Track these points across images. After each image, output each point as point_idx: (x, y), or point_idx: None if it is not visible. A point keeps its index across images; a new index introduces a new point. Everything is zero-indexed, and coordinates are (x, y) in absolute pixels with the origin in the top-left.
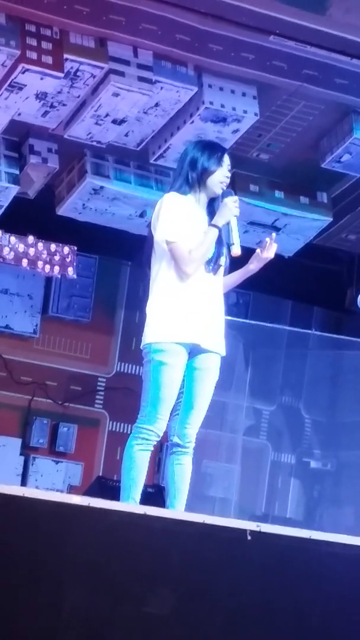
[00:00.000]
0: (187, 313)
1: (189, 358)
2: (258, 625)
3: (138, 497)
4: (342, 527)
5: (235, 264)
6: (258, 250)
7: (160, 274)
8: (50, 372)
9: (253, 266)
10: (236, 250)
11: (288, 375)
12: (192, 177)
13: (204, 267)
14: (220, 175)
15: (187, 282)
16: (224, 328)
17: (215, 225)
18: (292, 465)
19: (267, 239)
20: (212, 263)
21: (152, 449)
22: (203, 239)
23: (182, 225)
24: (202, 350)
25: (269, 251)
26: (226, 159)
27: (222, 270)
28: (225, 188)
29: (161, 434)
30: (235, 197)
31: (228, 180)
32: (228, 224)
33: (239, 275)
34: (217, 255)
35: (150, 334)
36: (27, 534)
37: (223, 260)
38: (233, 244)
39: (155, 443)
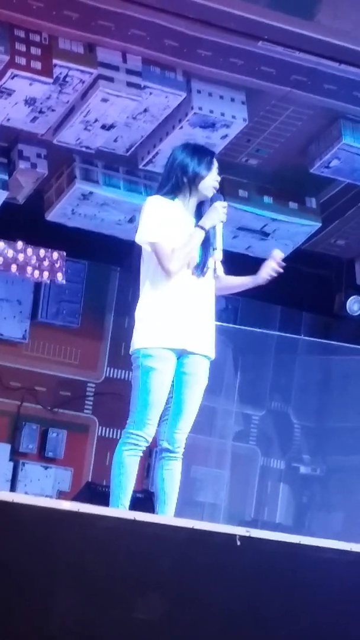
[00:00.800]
0: (173, 317)
1: (177, 362)
2: (248, 630)
3: (127, 502)
4: (331, 533)
5: (235, 270)
6: (271, 263)
7: (148, 280)
8: (40, 378)
9: (264, 274)
10: (217, 255)
11: (277, 381)
12: (182, 182)
13: (192, 271)
14: (211, 180)
15: (174, 286)
16: (214, 331)
17: (201, 227)
18: (281, 471)
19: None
20: (200, 266)
21: (141, 454)
22: (188, 239)
23: (164, 226)
24: (190, 353)
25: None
26: (216, 163)
27: (210, 272)
28: (216, 191)
29: (150, 439)
30: (225, 203)
31: (218, 184)
32: (214, 227)
33: (246, 282)
34: (204, 258)
35: (138, 340)
36: (16, 540)
37: (211, 263)
38: (215, 248)
39: (144, 448)
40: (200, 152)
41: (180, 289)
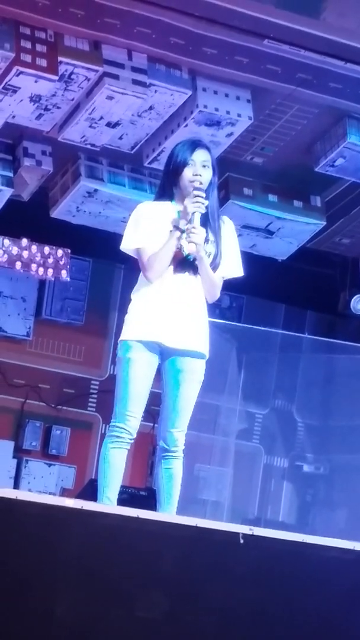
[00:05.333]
0: (153, 313)
1: (163, 360)
2: (251, 628)
3: (113, 495)
4: (334, 531)
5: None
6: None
7: (139, 277)
8: (44, 375)
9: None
10: (190, 247)
11: (281, 379)
12: (166, 181)
13: (175, 268)
14: (189, 173)
15: (158, 283)
16: (203, 329)
17: (176, 228)
18: (284, 469)
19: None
20: (185, 264)
21: (127, 447)
22: (163, 244)
23: (147, 232)
24: (175, 352)
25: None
26: (199, 156)
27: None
28: (198, 187)
29: (133, 432)
30: (197, 193)
31: (200, 179)
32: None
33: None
34: (193, 256)
35: (122, 333)
36: (19, 537)
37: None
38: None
39: (129, 441)
40: (183, 145)
41: (163, 286)
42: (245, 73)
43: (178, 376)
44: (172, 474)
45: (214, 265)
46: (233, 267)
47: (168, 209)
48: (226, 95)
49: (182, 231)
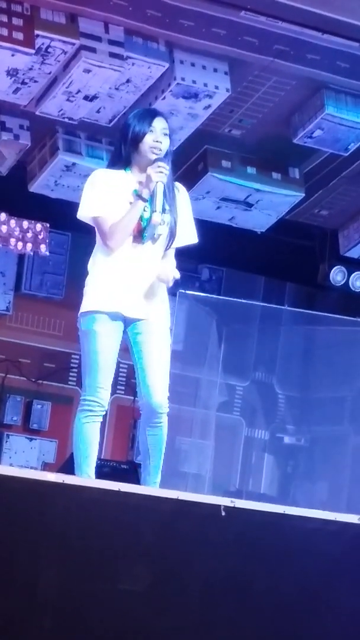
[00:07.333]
0: (111, 283)
1: (125, 328)
2: (233, 600)
3: (91, 470)
4: (315, 502)
5: (219, 240)
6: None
7: (95, 248)
8: (24, 350)
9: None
10: (155, 218)
11: (261, 351)
12: (124, 149)
13: (134, 238)
14: (150, 140)
15: (115, 253)
16: (163, 298)
17: (139, 197)
18: (265, 441)
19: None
20: (143, 234)
21: (99, 420)
22: (126, 212)
23: (104, 200)
24: (133, 319)
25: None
26: (160, 124)
27: (162, 238)
28: (158, 154)
29: (106, 404)
30: (160, 164)
31: (161, 146)
32: (155, 190)
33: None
34: (148, 225)
35: (82, 305)
36: (0, 512)
37: (162, 229)
38: (154, 211)
39: (101, 413)
40: (142, 113)
41: (121, 256)
42: (222, 45)
43: (140, 338)
44: (158, 440)
45: (172, 234)
46: (188, 235)
47: (124, 177)
48: (203, 67)
49: (145, 200)
